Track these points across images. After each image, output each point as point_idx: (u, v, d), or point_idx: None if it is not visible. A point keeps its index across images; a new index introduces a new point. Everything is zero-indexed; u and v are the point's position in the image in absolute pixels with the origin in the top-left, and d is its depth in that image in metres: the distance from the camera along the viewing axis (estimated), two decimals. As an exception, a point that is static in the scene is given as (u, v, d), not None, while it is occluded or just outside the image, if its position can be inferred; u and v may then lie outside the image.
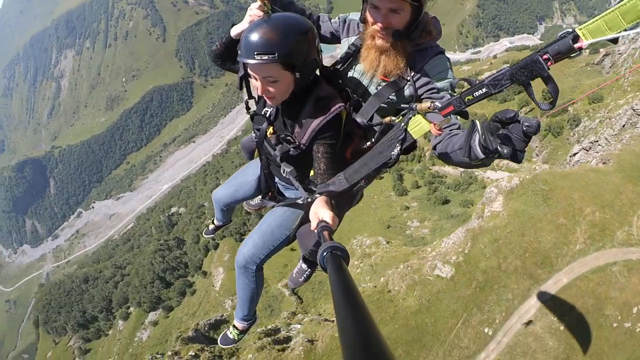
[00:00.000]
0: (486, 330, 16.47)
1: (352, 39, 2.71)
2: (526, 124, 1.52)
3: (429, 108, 1.99)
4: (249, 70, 2.25)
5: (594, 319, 15.70)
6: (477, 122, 1.81)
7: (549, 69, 1.49)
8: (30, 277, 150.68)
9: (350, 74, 2.72)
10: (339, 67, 2.75)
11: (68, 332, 68.67)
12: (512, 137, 1.58)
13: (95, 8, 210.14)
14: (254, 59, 2.07)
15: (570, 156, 32.59)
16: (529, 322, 16.35)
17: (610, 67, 49.18)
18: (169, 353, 22.69)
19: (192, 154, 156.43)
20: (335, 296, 0.81)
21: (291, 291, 37.23)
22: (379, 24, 2.33)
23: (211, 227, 4.51)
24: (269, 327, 23.35)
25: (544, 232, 17.96)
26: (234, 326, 3.62)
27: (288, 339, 20.41)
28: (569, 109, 41.37)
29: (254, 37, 2.08)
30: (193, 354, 22.01)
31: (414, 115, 2.10)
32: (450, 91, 2.39)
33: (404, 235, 39.16)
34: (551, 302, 16.42)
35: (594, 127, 35.23)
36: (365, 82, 2.65)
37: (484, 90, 1.72)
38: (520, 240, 17.99)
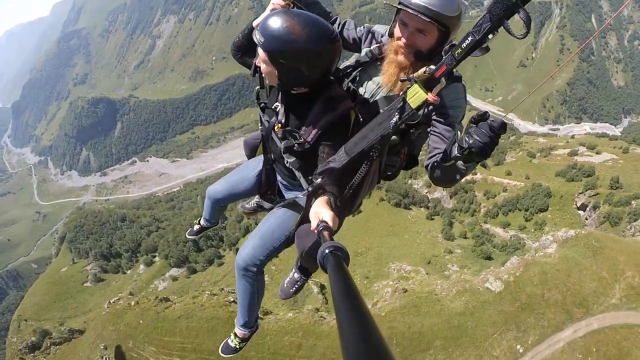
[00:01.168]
0: (518, 347, 18.46)
1: (373, 47, 2.73)
2: (491, 119, 1.83)
3: (424, 73, 2.07)
4: (258, 50, 2.32)
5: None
6: (458, 132, 2.16)
7: None
8: (67, 201, 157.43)
9: (366, 83, 2.74)
10: (352, 70, 2.79)
11: (90, 257, 69.12)
12: (480, 132, 1.84)
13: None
14: (265, 51, 2.23)
15: (628, 228, 34.91)
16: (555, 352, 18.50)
17: None
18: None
19: None
20: (335, 296, 0.79)
21: (319, 289, 36.11)
22: (404, 41, 2.39)
23: (196, 227, 4.24)
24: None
25: (587, 279, 20.30)
26: (234, 334, 3.44)
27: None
28: (632, 202, 39.19)
29: (273, 29, 2.16)
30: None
31: (412, 85, 2.11)
32: (459, 123, 2.43)
33: (442, 274, 36.92)
34: (580, 340, 18.15)
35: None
36: (379, 93, 2.64)
37: (469, 39, 1.91)
38: (566, 279, 20.38)
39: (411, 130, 2.56)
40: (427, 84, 2.12)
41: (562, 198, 48.40)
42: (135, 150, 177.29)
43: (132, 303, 27.47)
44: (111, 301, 28.84)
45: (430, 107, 2.28)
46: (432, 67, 2.06)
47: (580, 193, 47.13)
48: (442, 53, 2.13)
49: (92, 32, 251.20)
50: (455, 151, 1.98)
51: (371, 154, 2.30)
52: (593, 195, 44.95)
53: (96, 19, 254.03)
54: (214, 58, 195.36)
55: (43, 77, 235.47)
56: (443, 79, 2.13)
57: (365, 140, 2.25)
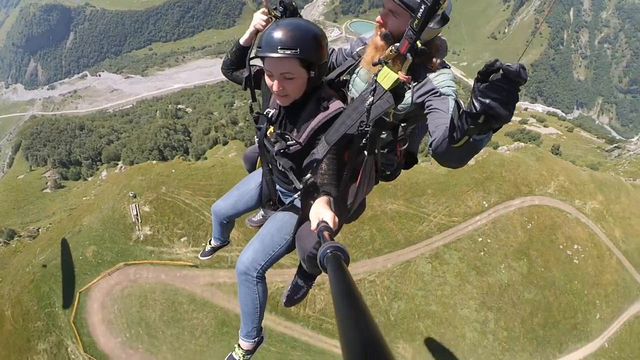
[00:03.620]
0: (484, 203, 24.10)
1: (357, 50, 2.82)
2: (507, 64, 1.37)
3: (390, 52, 2.07)
4: (267, 67, 2.28)
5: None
6: (460, 102, 1.74)
7: None
8: (11, 116, 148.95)
9: (356, 82, 2.77)
10: (340, 74, 2.79)
11: (48, 164, 67.98)
12: (494, 87, 1.43)
13: None
14: (277, 52, 2.14)
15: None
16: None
17: (616, 157, 54.15)
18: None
19: (215, 68, 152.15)
20: (336, 296, 0.80)
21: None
22: (378, 19, 2.46)
23: (208, 248, 4.34)
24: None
25: (531, 172, 26.62)
26: (238, 345, 3.33)
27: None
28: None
29: (278, 33, 2.15)
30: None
31: (383, 67, 2.14)
32: (455, 97, 2.32)
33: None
34: (525, 208, 24.45)
35: None
36: (367, 87, 2.55)
37: (422, 7, 1.83)
38: (516, 168, 26.45)
39: (402, 125, 2.55)
40: (396, 62, 2.18)
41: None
42: (87, 64, 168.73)
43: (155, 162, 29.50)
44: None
45: (422, 96, 2.39)
46: (397, 44, 2.08)
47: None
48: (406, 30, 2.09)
49: None
50: (465, 124, 1.65)
51: (355, 141, 2.33)
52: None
53: None
54: None
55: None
56: (409, 55, 2.10)
57: (343, 126, 2.28)
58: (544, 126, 73.80)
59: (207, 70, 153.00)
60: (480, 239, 22.07)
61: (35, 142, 77.16)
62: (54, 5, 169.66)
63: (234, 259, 18.69)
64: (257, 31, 2.70)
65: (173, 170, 24.13)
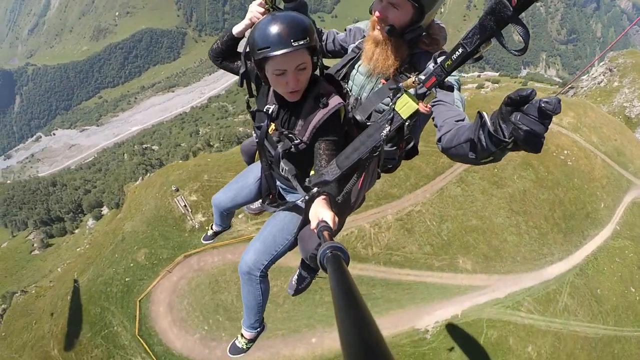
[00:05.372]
0: None
1: (357, 42, 2.77)
2: (544, 100, 1.34)
3: (413, 83, 1.96)
4: (278, 66, 2.20)
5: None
6: (485, 113, 1.64)
7: (513, 8, 1.46)
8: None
9: (355, 76, 2.72)
10: (340, 68, 2.76)
11: (29, 226, 65.97)
12: (528, 119, 1.39)
13: None
14: (292, 46, 2.09)
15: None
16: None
17: (572, 96, 54.02)
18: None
19: (169, 103, 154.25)
20: (336, 296, 0.81)
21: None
22: (377, 14, 2.38)
23: (210, 232, 4.55)
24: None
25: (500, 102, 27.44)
26: (241, 335, 3.56)
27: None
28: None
29: (284, 28, 2.10)
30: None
31: (402, 95, 2.05)
32: (458, 87, 2.33)
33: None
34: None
35: None
36: (367, 81, 2.64)
37: (460, 50, 1.71)
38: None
39: (407, 124, 2.27)
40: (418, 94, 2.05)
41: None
42: (39, 125, 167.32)
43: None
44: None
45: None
46: (422, 77, 1.96)
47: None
48: (432, 61, 1.96)
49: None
50: (490, 145, 1.60)
51: (364, 164, 2.27)
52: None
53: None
54: (117, 14, 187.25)
55: None
56: (434, 90, 1.98)
57: (356, 153, 2.22)
58: (500, 87, 72.98)
59: (162, 107, 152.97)
60: (491, 159, 23.97)
61: (10, 208, 76.15)
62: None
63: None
64: (252, 24, 2.58)
65: (209, 160, 24.32)
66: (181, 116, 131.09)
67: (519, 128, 1.39)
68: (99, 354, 16.53)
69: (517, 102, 1.41)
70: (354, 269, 18.20)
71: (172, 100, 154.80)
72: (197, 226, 20.02)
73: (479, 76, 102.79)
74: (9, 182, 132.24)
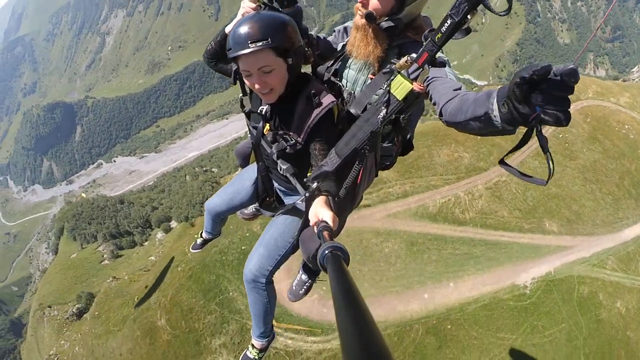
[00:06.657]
0: None
1: (346, 40, 2.70)
2: (565, 73, 1.18)
3: (406, 62, 1.95)
4: (242, 67, 2.22)
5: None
6: (495, 93, 1.50)
7: None
8: (36, 216, 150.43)
9: (347, 72, 2.67)
10: (331, 65, 2.75)
11: (98, 239, 65.87)
12: (553, 98, 1.23)
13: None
14: (248, 47, 2.07)
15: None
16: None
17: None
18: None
19: (224, 130, 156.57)
20: (336, 297, 0.79)
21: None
22: (360, 0, 2.38)
23: (199, 240, 4.33)
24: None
25: None
26: (252, 345, 3.45)
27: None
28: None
29: (244, 29, 2.10)
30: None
31: (396, 76, 2.01)
32: (448, 67, 2.20)
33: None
34: None
35: None
36: (359, 75, 2.60)
37: (448, 21, 1.68)
38: None
39: (402, 117, 2.24)
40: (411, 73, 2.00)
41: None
42: (100, 153, 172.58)
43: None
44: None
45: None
46: (414, 55, 1.91)
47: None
48: (423, 39, 1.92)
49: (36, 38, 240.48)
50: (506, 126, 1.47)
51: (363, 150, 2.17)
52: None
53: (39, 24, 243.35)
54: (169, 48, 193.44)
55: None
56: (427, 67, 1.91)
57: (354, 139, 2.16)
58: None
59: (217, 133, 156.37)
60: (560, 135, 25.22)
61: (79, 222, 76.15)
62: (55, 104, 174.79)
63: (390, 204, 20.69)
64: None
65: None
66: (236, 141, 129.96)
67: (546, 111, 1.25)
68: (212, 320, 16.90)
69: (533, 82, 1.25)
70: (455, 232, 19.69)
71: (227, 127, 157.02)
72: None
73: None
74: (75, 199, 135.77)
